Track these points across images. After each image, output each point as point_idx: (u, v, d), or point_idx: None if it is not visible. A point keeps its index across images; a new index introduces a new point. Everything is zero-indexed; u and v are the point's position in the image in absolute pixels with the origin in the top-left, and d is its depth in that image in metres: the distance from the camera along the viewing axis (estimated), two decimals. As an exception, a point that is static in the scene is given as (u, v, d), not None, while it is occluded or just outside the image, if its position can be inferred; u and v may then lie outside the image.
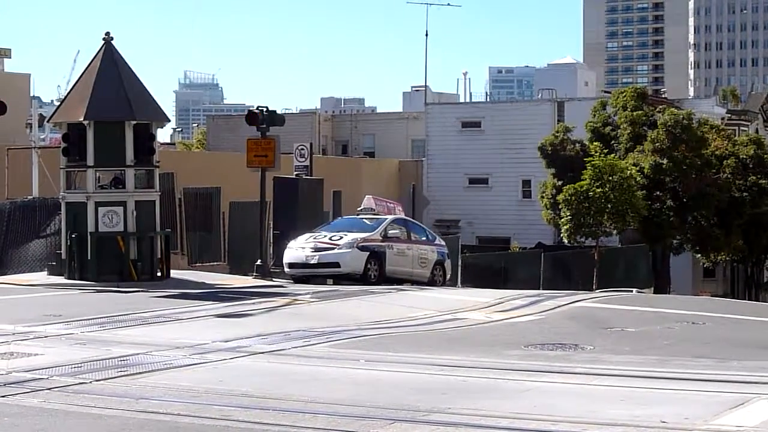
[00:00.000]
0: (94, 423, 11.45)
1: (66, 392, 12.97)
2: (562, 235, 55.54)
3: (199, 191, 41.54)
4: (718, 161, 60.35)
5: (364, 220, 33.10)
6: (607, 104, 64.41)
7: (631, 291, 43.63)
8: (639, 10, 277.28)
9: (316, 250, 31.44)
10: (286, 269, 32.08)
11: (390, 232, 32.34)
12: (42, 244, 35.29)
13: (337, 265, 31.14)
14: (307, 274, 31.47)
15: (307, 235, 32.41)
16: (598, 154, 53.70)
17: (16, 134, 56.38)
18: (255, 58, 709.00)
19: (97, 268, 29.88)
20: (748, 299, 62.97)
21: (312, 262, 31.34)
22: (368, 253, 31.38)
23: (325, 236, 31.93)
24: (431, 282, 32.99)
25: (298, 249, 31.81)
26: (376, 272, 31.38)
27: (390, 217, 33.36)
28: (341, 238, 31.55)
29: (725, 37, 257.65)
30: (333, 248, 31.29)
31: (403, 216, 34.59)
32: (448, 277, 35.03)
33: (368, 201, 34.04)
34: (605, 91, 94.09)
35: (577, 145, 60.33)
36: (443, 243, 35.13)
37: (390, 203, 35.49)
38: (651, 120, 60.72)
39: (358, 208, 34.48)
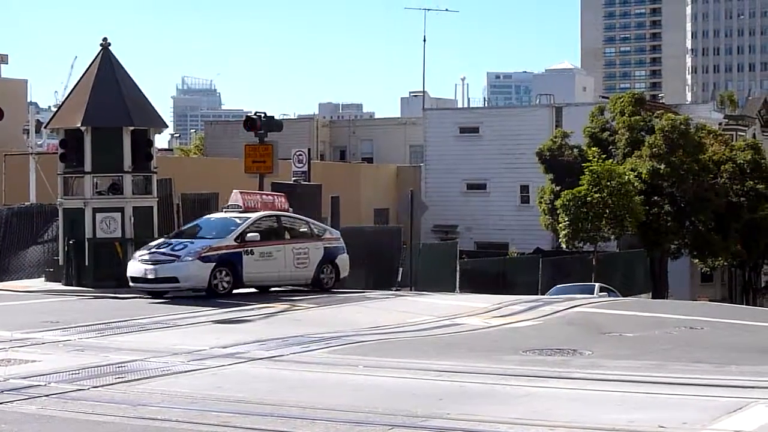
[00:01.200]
0: (92, 430, 11.44)
1: (64, 399, 12.96)
2: (560, 240, 55.57)
3: (197, 197, 41.38)
4: (715, 166, 60.39)
5: (235, 219, 28.87)
6: (605, 109, 64.45)
7: (593, 286, 44.04)
8: (636, 15, 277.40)
9: (155, 262, 27.28)
10: (130, 283, 27.98)
11: (250, 234, 28.16)
12: (39, 250, 35.27)
13: (175, 279, 27.12)
14: (148, 289, 27.60)
15: (157, 242, 28.81)
16: (596, 159, 53.75)
17: (13, 140, 56.36)
18: (253, 63, 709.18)
19: (94, 275, 29.86)
20: (746, 304, 62.97)
21: (150, 276, 27.22)
22: (214, 263, 27.22)
23: (170, 245, 27.94)
24: (317, 283, 29.37)
25: (139, 260, 27.75)
26: (228, 283, 27.39)
27: (253, 215, 28.92)
28: (185, 246, 27.49)
29: (722, 43, 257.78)
30: (173, 260, 27.14)
31: (276, 211, 29.93)
32: (345, 275, 30.78)
33: (235, 196, 30.01)
34: (603, 97, 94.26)
35: (575, 150, 60.36)
36: (336, 236, 30.87)
37: (268, 196, 31.08)
38: (649, 125, 60.76)
39: (224, 206, 30.77)
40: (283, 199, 30.80)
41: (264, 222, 29.25)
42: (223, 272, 27.47)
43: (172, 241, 28.22)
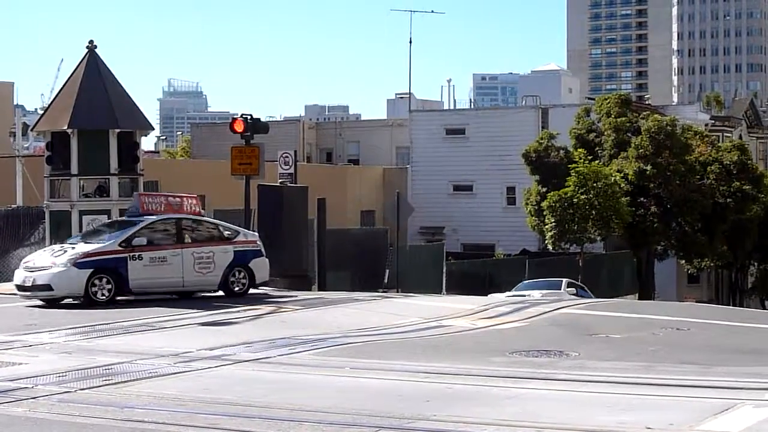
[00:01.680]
0: (79, 432, 11.43)
1: (51, 401, 12.93)
2: (546, 241, 55.60)
3: (184, 199, 41.38)
4: (701, 167, 60.47)
5: (129, 223, 27.52)
6: (591, 111, 64.47)
7: (561, 281, 43.59)
8: (622, 16, 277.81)
9: (33, 269, 26.18)
10: (16, 292, 26.96)
11: (138, 239, 26.63)
12: (26, 252, 35.11)
13: (49, 287, 25.83)
14: (29, 297, 26.47)
15: (52, 246, 27.94)
16: (582, 160, 53.78)
17: (-1, 143, 56.24)
18: (239, 65, 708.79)
19: (81, 277, 29.73)
20: (733, 305, 63.13)
21: (28, 284, 26.09)
22: (91, 270, 25.85)
23: (54, 251, 26.77)
24: (226, 288, 28.03)
25: (22, 267, 26.70)
26: (109, 291, 26.01)
27: (147, 219, 27.40)
28: (64, 252, 26.30)
29: (708, 44, 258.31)
30: (49, 267, 25.92)
31: (179, 214, 28.30)
32: (262, 280, 29.23)
33: (135, 198, 28.67)
34: (589, 98, 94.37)
35: (562, 151, 60.37)
36: (252, 238, 29.36)
37: (176, 198, 29.31)
38: (635, 126, 60.81)
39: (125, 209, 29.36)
40: (195, 201, 29.48)
41: (160, 225, 27.70)
42: (104, 279, 26.06)
43: (65, 245, 27.05)
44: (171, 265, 27.21)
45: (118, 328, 20.83)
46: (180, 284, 27.50)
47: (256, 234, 30.32)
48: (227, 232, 28.85)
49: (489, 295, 43.00)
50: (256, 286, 28.92)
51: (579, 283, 44.85)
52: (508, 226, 72.16)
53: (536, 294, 39.36)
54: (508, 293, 41.17)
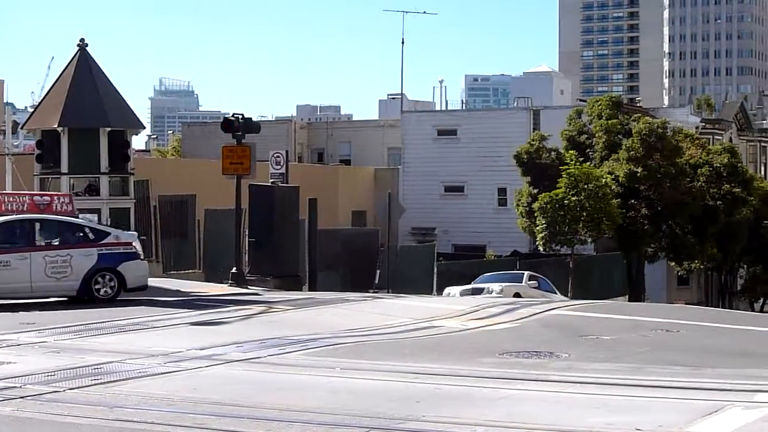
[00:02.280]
0: (68, 431, 11.39)
1: (40, 401, 12.90)
2: (537, 243, 55.63)
3: (174, 198, 41.46)
4: (692, 170, 60.55)
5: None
6: (583, 113, 64.54)
7: (523, 274, 43.39)
8: (614, 19, 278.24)
9: None
10: None
11: None
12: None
13: None
14: None
15: None
16: (573, 162, 53.81)
17: (-10, 141, 56.13)
18: (231, 65, 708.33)
19: (71, 276, 29.67)
20: (722, 307, 63.22)
21: None
22: None
23: None
24: (87, 294, 25.95)
25: None
26: None
27: None
28: None
29: (700, 47, 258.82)
30: None
31: (30, 215, 26.33)
32: (137, 284, 26.76)
33: None
34: (581, 100, 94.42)
35: (553, 153, 60.42)
36: (126, 240, 26.88)
37: (44, 196, 27.49)
38: (626, 128, 60.88)
39: None
40: (67, 200, 27.82)
41: (9, 227, 25.83)
42: None
43: None
44: (16, 270, 25.35)
45: (109, 327, 20.79)
46: (28, 290, 25.70)
47: (134, 234, 28.17)
48: (93, 234, 26.51)
49: (445, 289, 42.59)
50: (128, 291, 26.78)
51: (541, 276, 44.40)
52: (499, 228, 72.19)
53: (495, 287, 39.57)
54: (465, 286, 41.22)
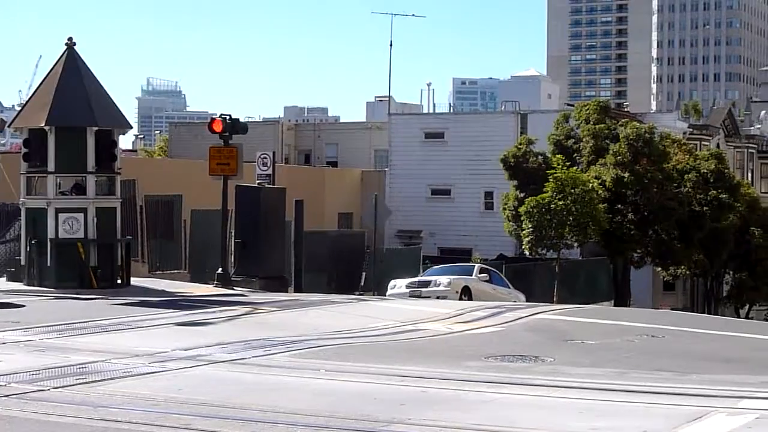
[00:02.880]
0: (52, 431, 11.37)
1: (24, 399, 12.87)
2: (523, 247, 55.64)
3: (161, 199, 41.41)
4: (679, 175, 60.66)
5: None
6: (570, 117, 64.57)
7: (473, 267, 42.31)
8: (603, 23, 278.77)
9: None
10: None
11: None
12: (1, 249, 35.12)
13: None
14: None
15: None
16: (560, 166, 53.84)
17: (-24, 139, 55.94)
18: (218, 65, 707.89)
19: (56, 275, 29.69)
20: (708, 313, 63.32)
21: None
22: None
23: None
24: None
25: None
26: None
27: None
28: None
29: (688, 52, 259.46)
30: None
31: None
32: None
33: None
34: (568, 104, 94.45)
35: (540, 157, 60.46)
36: None
37: None
38: (613, 133, 60.93)
39: None
40: None
41: None
42: None
43: None
44: None
45: (94, 326, 20.75)
46: None
47: None
48: None
49: (391, 281, 40.76)
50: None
51: (493, 270, 43.66)
52: (486, 231, 72.22)
53: (443, 279, 38.66)
54: (412, 278, 40.51)
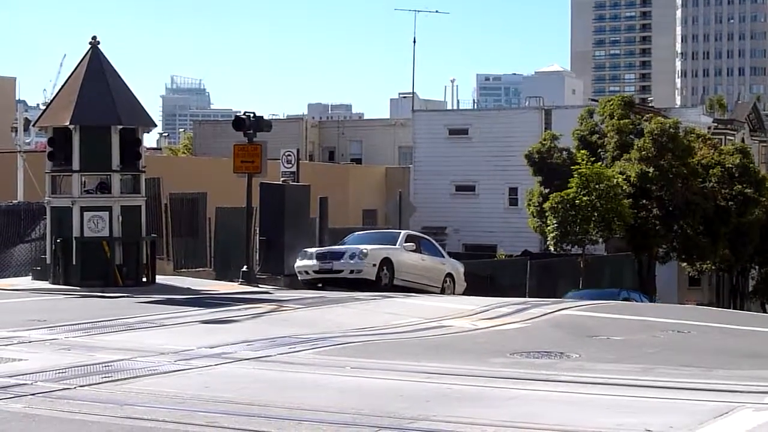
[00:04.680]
0: (78, 429, 11.39)
1: (50, 398, 12.91)
2: (548, 243, 55.61)
3: (186, 197, 41.49)
4: (704, 170, 60.50)
5: None
6: (594, 112, 64.50)
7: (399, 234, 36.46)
8: (627, 18, 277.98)
9: None
10: None
11: None
12: (27, 248, 35.22)
13: None
14: None
15: None
16: (584, 162, 53.77)
17: (1, 138, 56.29)
18: (242, 63, 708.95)
19: (81, 273, 29.81)
20: (734, 308, 63.14)
21: None
22: None
23: None
24: None
25: None
26: None
27: None
28: None
29: (712, 47, 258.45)
30: None
31: None
32: None
33: None
34: (592, 100, 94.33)
35: (564, 153, 60.41)
36: None
37: None
38: (638, 128, 60.85)
39: None
40: None
41: None
42: None
43: None
44: None
45: (120, 324, 20.81)
46: None
47: None
48: None
49: (300, 252, 34.13)
50: None
51: (425, 237, 38.00)
52: (510, 227, 72.19)
53: (359, 250, 32.89)
54: (321, 249, 34.58)
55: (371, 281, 32.48)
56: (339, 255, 33.00)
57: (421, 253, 35.02)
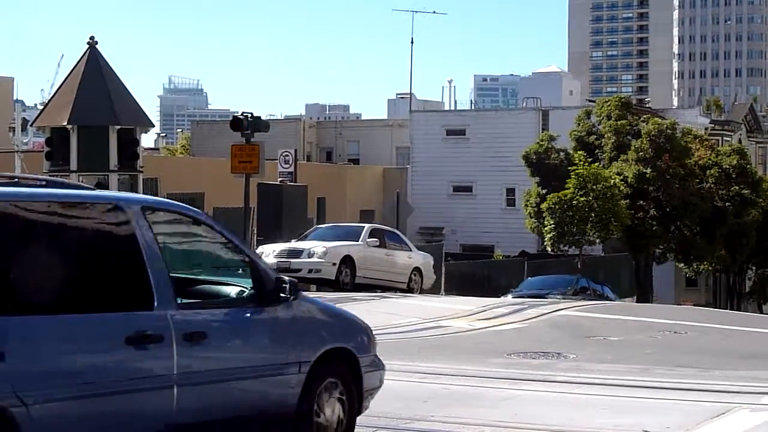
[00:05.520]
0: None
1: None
2: (545, 243, 55.59)
3: (183, 197, 41.37)
4: (701, 171, 60.52)
5: None
6: (592, 113, 64.49)
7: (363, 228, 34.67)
8: (624, 20, 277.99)
9: None
10: None
11: None
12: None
13: None
14: None
15: None
16: (582, 162, 53.76)
17: (-1, 138, 56.22)
18: (240, 63, 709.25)
19: (79, 273, 29.74)
20: (730, 309, 63.13)
21: None
22: None
23: None
24: None
25: None
26: None
27: None
28: None
29: (709, 48, 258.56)
30: None
31: None
32: None
33: None
34: (590, 100, 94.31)
35: (562, 153, 60.40)
36: None
37: None
38: (635, 129, 60.84)
39: None
40: None
41: None
42: None
43: None
44: None
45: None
46: None
47: None
48: None
49: (260, 247, 32.48)
50: None
51: (391, 230, 36.37)
52: (508, 228, 72.16)
53: (318, 248, 31.13)
54: (283, 245, 32.01)
55: (331, 281, 31.09)
56: (297, 253, 31.17)
57: (386, 247, 33.52)
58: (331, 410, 9.45)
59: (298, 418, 9.03)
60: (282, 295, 8.96)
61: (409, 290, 33.21)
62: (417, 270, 34.38)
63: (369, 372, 10.08)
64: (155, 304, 7.99)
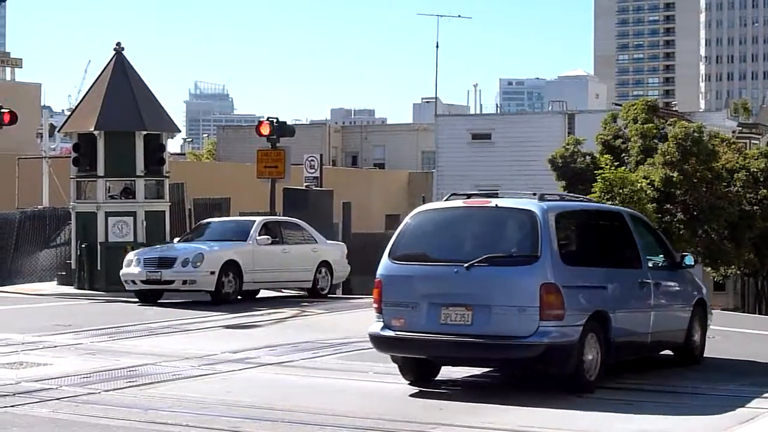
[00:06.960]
0: (102, 433, 11.46)
1: (75, 402, 12.98)
2: (572, 247, 55.43)
3: (209, 202, 41.54)
4: (728, 174, 60.24)
5: None
6: (618, 117, 64.28)
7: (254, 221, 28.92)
8: (650, 22, 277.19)
9: None
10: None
11: None
12: (52, 253, 35.37)
13: None
14: None
15: None
16: (608, 166, 53.62)
17: (26, 144, 56.56)
18: (265, 69, 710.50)
19: (106, 278, 29.94)
20: (759, 313, 62.82)
21: None
22: None
23: None
24: None
25: None
26: None
27: None
28: None
29: (736, 50, 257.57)
30: None
31: None
32: None
33: None
34: (616, 104, 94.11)
35: (588, 157, 60.24)
36: None
37: None
38: (662, 133, 60.61)
39: None
40: None
41: None
42: None
43: None
44: None
45: (143, 329, 20.90)
46: None
47: None
48: None
49: (128, 254, 27.89)
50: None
51: (294, 221, 31.12)
52: (534, 232, 71.95)
53: (192, 254, 26.52)
54: (151, 254, 27.27)
55: (212, 292, 26.63)
56: (169, 262, 26.69)
57: (284, 243, 29.27)
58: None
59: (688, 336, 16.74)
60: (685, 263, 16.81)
61: (317, 290, 29.77)
62: (325, 264, 30.18)
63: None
64: (642, 267, 15.52)
